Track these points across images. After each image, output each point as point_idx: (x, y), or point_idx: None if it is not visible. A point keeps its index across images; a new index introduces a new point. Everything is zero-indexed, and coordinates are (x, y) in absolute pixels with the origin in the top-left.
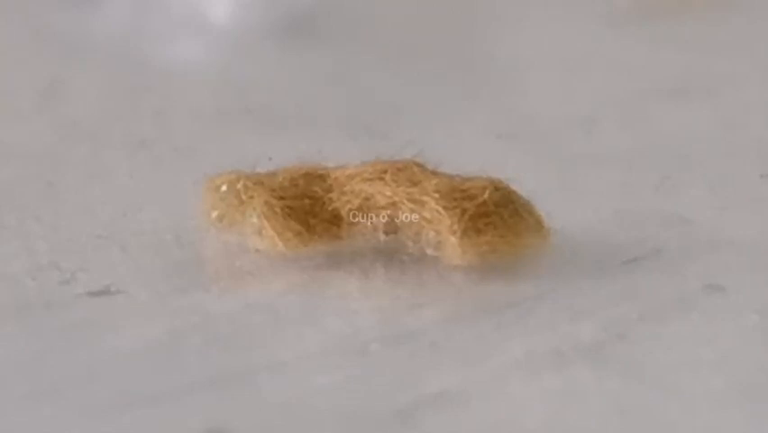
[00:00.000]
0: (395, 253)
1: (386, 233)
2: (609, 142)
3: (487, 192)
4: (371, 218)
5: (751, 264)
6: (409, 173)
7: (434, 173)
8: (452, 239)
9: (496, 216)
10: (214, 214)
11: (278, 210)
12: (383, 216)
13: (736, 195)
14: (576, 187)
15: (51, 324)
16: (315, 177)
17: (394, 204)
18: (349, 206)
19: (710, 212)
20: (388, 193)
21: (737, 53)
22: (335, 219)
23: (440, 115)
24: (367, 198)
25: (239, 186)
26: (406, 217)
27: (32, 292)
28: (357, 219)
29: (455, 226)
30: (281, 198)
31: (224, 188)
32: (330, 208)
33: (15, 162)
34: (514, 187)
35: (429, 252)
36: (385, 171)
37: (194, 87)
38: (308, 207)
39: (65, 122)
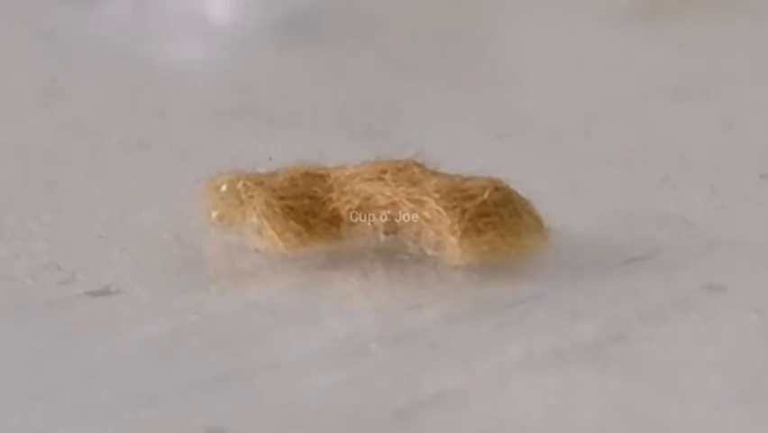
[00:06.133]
0: (395, 253)
1: (386, 233)
2: (609, 142)
3: (487, 192)
4: (371, 218)
5: (751, 264)
6: (409, 173)
7: (434, 173)
8: (452, 239)
9: (496, 216)
10: (215, 214)
11: (278, 210)
12: (383, 216)
13: (736, 195)
14: (576, 187)
15: (51, 324)
16: (315, 177)
17: (394, 204)
18: (349, 206)
19: (710, 212)
20: (388, 193)
21: (737, 53)
22: (335, 219)
23: (440, 115)
24: (367, 198)
25: (239, 186)
26: (406, 217)
27: (32, 292)
28: (357, 219)
29: (455, 226)
30: (281, 198)
31: (223, 188)
32: (330, 208)
33: (15, 162)
34: (514, 187)
35: (429, 252)
36: (385, 171)
37: (194, 87)
38: (308, 207)
39: (65, 122)
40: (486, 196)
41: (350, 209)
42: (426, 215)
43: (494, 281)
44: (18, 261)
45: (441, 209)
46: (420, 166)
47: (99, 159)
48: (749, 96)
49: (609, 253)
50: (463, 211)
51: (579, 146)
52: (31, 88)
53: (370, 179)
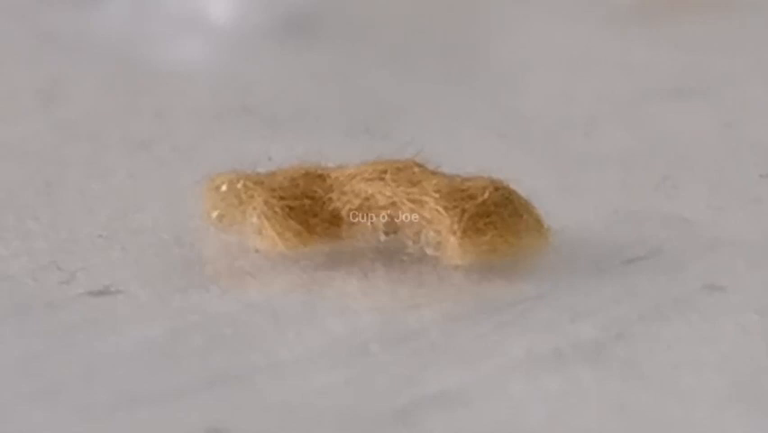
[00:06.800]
0: (395, 253)
1: (386, 233)
2: (609, 142)
3: (487, 192)
4: (371, 218)
5: (751, 264)
6: (409, 173)
7: (434, 173)
8: (452, 239)
9: (496, 216)
10: (215, 214)
11: (278, 210)
12: (383, 216)
13: (736, 195)
14: (576, 187)
15: (51, 324)
16: (315, 177)
17: (394, 204)
18: (349, 206)
19: (710, 212)
20: (388, 193)
21: (737, 53)
22: (335, 219)
23: (440, 115)
24: (367, 198)
25: (239, 186)
26: (406, 217)
27: (32, 292)
28: (357, 219)
29: (455, 226)
30: (281, 198)
31: (224, 188)
32: (330, 208)
33: (15, 162)
34: (514, 187)
35: (429, 252)
36: (385, 171)
37: (194, 87)
38: (308, 207)
39: (65, 122)
40: (486, 196)
41: (350, 209)
42: (426, 215)
43: (494, 281)
44: (18, 261)
45: (441, 209)
46: (420, 166)
47: (99, 159)
48: (749, 96)
49: (609, 253)
50: (463, 211)
51: (579, 146)
52: (31, 88)
53: (370, 179)
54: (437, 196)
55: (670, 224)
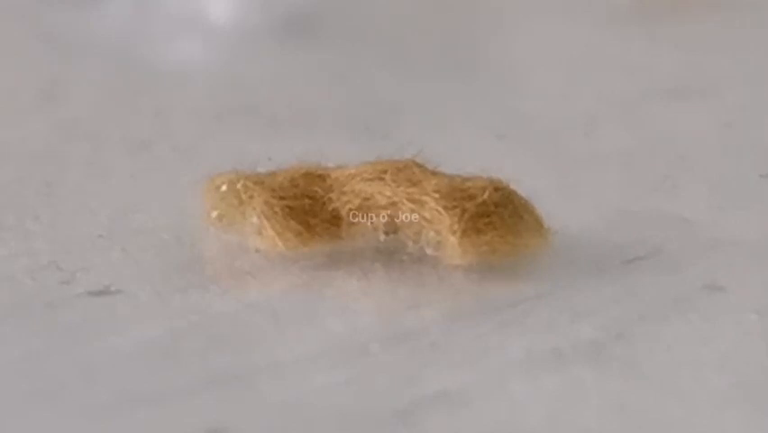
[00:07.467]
0: (395, 253)
1: (386, 233)
2: (609, 142)
3: (487, 192)
4: (371, 218)
5: (751, 264)
6: (409, 173)
7: (434, 173)
8: (452, 239)
9: (496, 216)
10: (214, 214)
11: (278, 210)
12: (383, 216)
13: (736, 195)
14: (576, 187)
15: (51, 324)
16: (315, 177)
17: (394, 204)
18: (349, 206)
19: (710, 212)
20: (388, 193)
21: (737, 53)
22: (335, 219)
23: (440, 115)
24: (367, 198)
25: (239, 186)
26: (406, 217)
27: (32, 292)
28: (357, 219)
29: (455, 226)
30: (281, 198)
31: (223, 188)
32: (330, 208)
33: (15, 162)
34: (514, 187)
35: (429, 252)
36: (385, 171)
37: (194, 87)
38: (308, 207)
39: (65, 122)
40: (486, 196)
41: (350, 209)
42: (426, 215)
43: (494, 281)
44: (18, 261)
45: (441, 209)
46: (420, 166)
47: (99, 159)
48: (749, 96)
49: (609, 253)
50: (463, 211)
51: (579, 146)
52: (31, 88)
53: (370, 179)
54: (437, 196)
55: (670, 224)
